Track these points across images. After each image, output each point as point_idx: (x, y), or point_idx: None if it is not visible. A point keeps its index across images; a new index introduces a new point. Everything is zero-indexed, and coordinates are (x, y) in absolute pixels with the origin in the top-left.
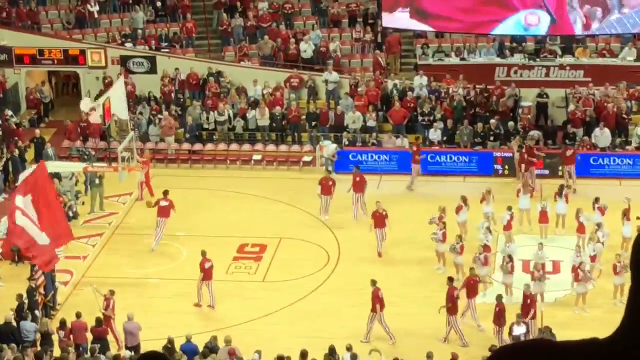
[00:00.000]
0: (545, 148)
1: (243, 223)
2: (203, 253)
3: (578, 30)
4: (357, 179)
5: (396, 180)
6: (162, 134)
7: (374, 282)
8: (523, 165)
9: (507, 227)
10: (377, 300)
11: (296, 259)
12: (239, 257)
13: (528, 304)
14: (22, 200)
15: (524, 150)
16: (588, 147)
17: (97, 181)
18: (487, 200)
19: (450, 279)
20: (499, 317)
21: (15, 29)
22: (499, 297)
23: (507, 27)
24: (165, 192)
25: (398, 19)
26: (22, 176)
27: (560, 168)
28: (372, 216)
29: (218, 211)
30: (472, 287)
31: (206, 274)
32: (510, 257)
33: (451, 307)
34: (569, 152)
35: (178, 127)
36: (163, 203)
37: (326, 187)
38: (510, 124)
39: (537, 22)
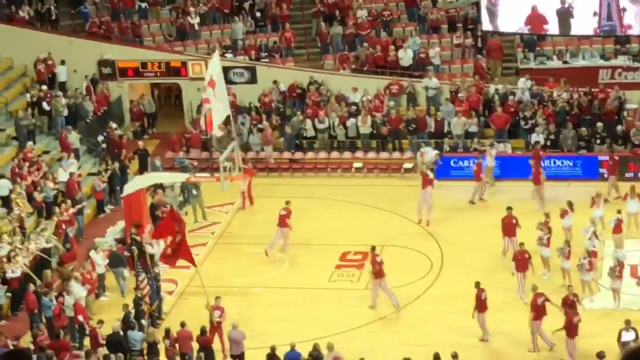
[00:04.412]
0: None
1: (345, 231)
2: (372, 248)
3: None
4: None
5: (500, 185)
6: (263, 143)
7: (477, 284)
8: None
9: (616, 229)
10: (534, 309)
11: (398, 267)
12: (342, 265)
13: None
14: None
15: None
16: None
17: (194, 192)
18: (598, 204)
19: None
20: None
21: (118, 43)
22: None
23: None
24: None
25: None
26: (127, 187)
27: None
28: (502, 222)
29: (320, 219)
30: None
31: (377, 272)
32: (620, 262)
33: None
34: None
35: (278, 137)
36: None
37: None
38: (619, 127)
39: None
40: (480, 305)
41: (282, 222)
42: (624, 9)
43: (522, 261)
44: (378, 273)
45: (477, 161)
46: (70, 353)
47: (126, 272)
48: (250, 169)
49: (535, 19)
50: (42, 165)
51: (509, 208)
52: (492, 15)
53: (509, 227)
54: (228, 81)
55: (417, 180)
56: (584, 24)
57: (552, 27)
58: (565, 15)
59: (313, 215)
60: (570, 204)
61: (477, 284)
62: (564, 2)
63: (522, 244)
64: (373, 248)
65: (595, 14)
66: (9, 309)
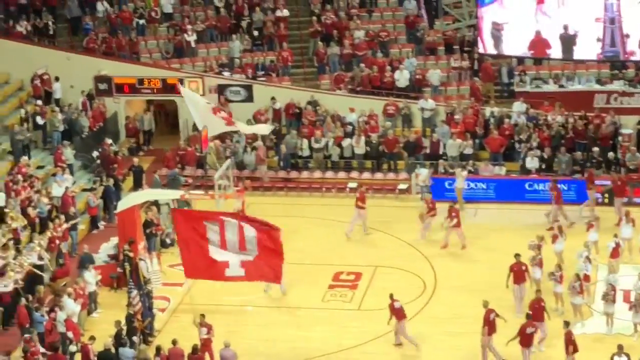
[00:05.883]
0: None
1: (339, 251)
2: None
3: None
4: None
5: (493, 208)
6: (256, 162)
7: (391, 296)
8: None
9: (614, 254)
10: (487, 324)
11: (392, 288)
12: (335, 285)
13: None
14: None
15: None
16: None
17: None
18: (596, 228)
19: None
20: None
21: (115, 59)
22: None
23: None
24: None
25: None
26: (121, 204)
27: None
28: (511, 269)
29: (314, 239)
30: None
31: None
32: (614, 287)
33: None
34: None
35: (273, 155)
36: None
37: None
38: (610, 154)
39: None
40: (397, 314)
41: (358, 203)
42: (628, 35)
43: (538, 310)
44: None
45: (551, 184)
46: None
47: (89, 275)
48: (242, 189)
49: (539, 43)
50: (35, 180)
51: (517, 255)
52: (497, 39)
53: (519, 274)
54: (225, 99)
55: (410, 201)
56: (587, 49)
57: (555, 51)
58: (568, 41)
59: (307, 235)
60: (560, 229)
61: (391, 296)
62: (567, 28)
63: (538, 291)
64: None
65: (598, 39)
66: (0, 324)
